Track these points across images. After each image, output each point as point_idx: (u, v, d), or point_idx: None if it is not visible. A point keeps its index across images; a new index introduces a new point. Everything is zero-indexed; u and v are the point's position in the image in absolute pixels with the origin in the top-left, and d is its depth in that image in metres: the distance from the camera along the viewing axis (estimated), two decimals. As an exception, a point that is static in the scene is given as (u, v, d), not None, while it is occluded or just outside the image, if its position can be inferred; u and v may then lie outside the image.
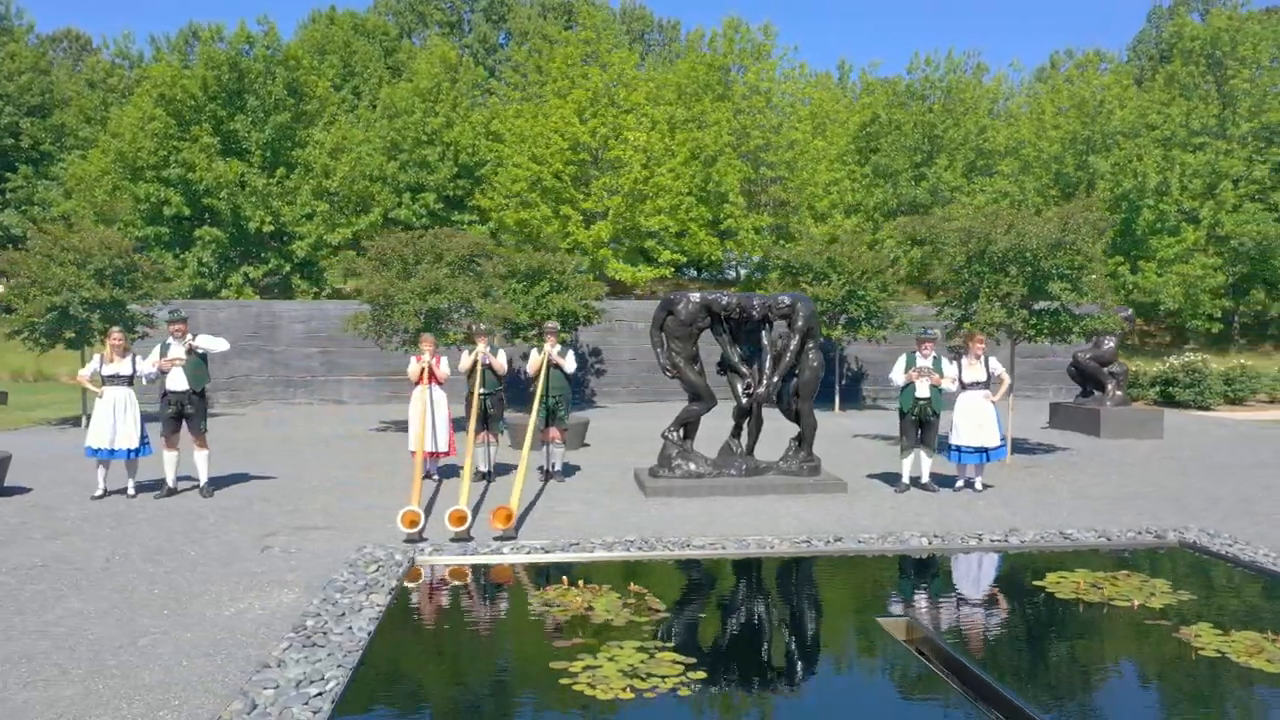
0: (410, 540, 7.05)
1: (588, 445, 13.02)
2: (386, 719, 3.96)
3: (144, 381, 9.13)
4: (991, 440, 9.34)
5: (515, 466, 9.02)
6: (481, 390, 9.75)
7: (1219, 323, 29.01)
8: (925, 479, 9.58)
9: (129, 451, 8.92)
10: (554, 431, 10.23)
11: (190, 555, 6.82)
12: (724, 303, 9.58)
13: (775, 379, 9.50)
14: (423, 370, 9.83)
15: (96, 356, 9.19)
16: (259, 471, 10.68)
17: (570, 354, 10.17)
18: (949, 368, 9.42)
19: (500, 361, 9.97)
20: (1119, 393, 14.93)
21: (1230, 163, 29.11)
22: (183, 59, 34.47)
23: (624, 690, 4.05)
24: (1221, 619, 5.09)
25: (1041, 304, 11.31)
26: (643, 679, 4.17)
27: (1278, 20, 32.92)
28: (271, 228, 28.85)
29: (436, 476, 10.08)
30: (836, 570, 6.40)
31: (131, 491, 9.00)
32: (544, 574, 6.14)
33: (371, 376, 20.30)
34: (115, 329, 9.39)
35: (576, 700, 3.97)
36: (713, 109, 31.25)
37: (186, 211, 28.33)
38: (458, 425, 10.66)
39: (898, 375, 9.52)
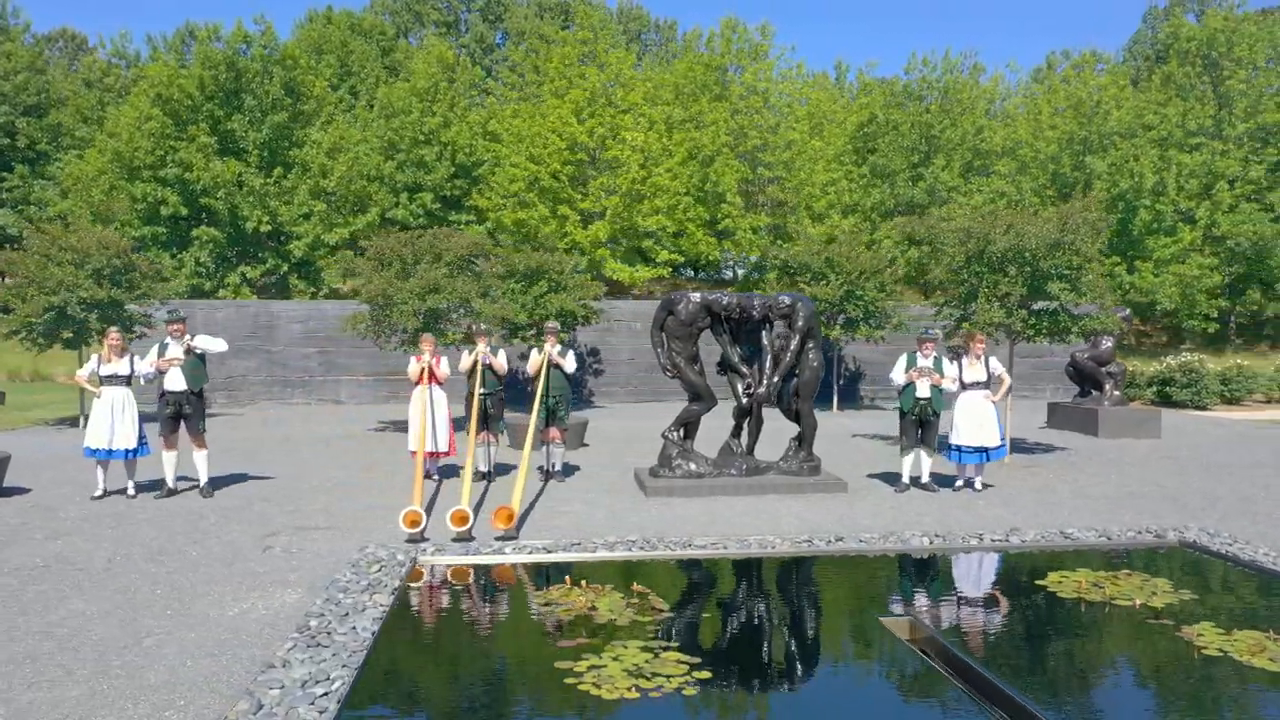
0: (412, 540, 7.05)
1: (587, 445, 13.02)
2: (392, 719, 3.96)
3: (142, 381, 9.12)
4: (992, 440, 9.36)
5: (515, 466, 9.02)
6: (481, 390, 9.75)
7: (1215, 323, 29.09)
8: (925, 479, 9.60)
9: (127, 452, 8.90)
10: (554, 431, 10.23)
11: (192, 555, 6.82)
12: (724, 303, 9.59)
13: (775, 379, 9.51)
14: (423, 370, 9.83)
15: (94, 357, 9.16)
16: (258, 472, 10.67)
17: (570, 354, 10.17)
18: (949, 368, 9.44)
19: (500, 361, 9.96)
20: (1117, 393, 14.97)
21: (1226, 163, 29.19)
22: (179, 59, 34.39)
23: (629, 690, 4.05)
24: (1223, 618, 5.10)
25: (1040, 304, 11.33)
26: (648, 679, 4.18)
27: (1274, 21, 33.00)
28: (269, 227, 28.82)
29: (436, 476, 10.08)
30: (838, 570, 6.40)
31: (131, 492, 8.99)
32: (546, 574, 6.14)
33: (369, 376, 20.29)
34: (113, 329, 9.38)
35: (582, 700, 3.97)
36: (710, 109, 31.26)
37: (184, 211, 28.30)
38: (458, 425, 10.66)
39: (898, 375, 9.54)
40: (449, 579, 6.13)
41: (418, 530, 7.12)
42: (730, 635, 5.02)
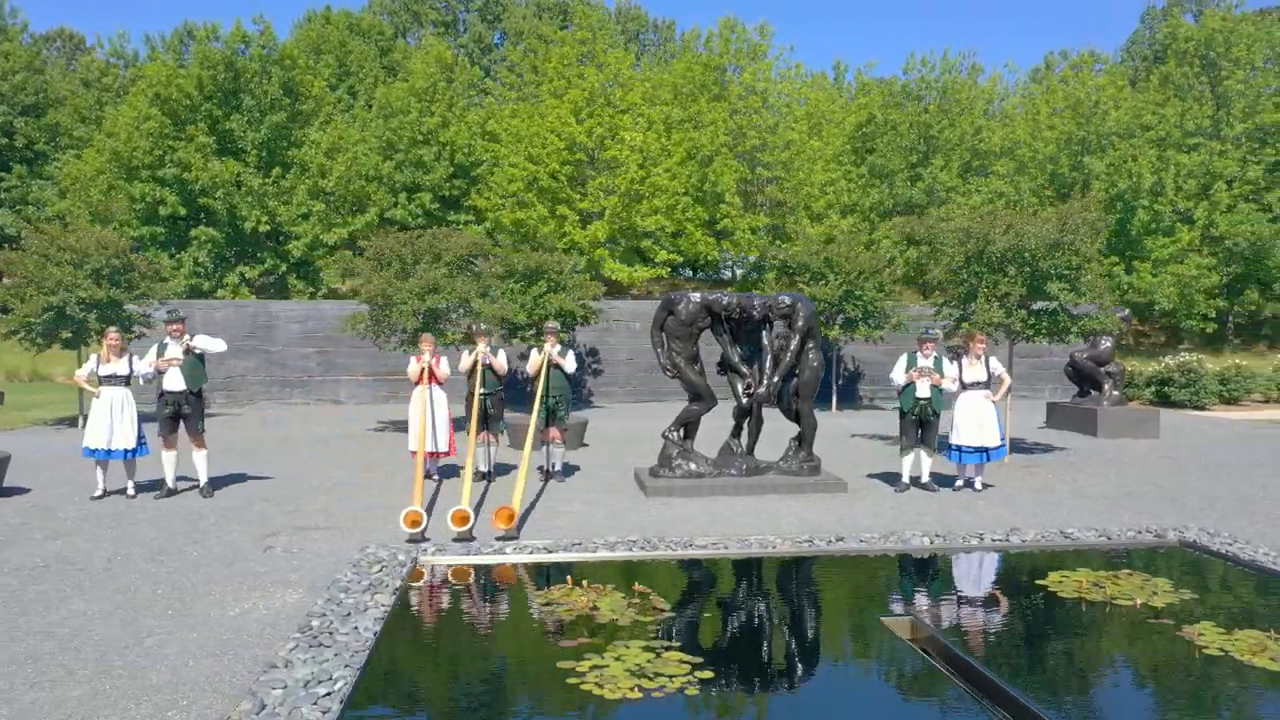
0: (413, 540, 7.05)
1: (586, 445, 13.02)
2: (396, 719, 3.96)
3: (141, 382, 9.11)
4: (992, 440, 9.37)
5: (515, 466, 9.02)
6: (482, 390, 9.75)
7: (1213, 323, 29.13)
8: (925, 479, 9.61)
9: (126, 452, 8.90)
10: (554, 431, 10.23)
11: (192, 555, 6.81)
12: (724, 303, 9.59)
13: (775, 379, 9.51)
14: (423, 370, 9.82)
15: (93, 357, 9.15)
16: (258, 472, 10.66)
17: (570, 354, 10.17)
18: (949, 368, 9.45)
19: (500, 361, 9.96)
20: (1115, 393, 14.98)
21: (1224, 163, 29.22)
22: (178, 58, 34.35)
23: (632, 690, 4.05)
24: (1224, 618, 5.11)
25: (1040, 304, 11.34)
26: (650, 679, 4.18)
27: (1272, 21, 33.04)
28: (267, 227, 28.80)
29: (436, 477, 10.08)
30: (839, 570, 6.41)
31: (131, 492, 8.98)
32: (547, 574, 6.14)
33: (368, 376, 20.28)
34: (112, 329, 9.37)
35: (585, 700, 3.97)
36: (709, 109, 31.27)
37: (182, 211, 28.27)
38: (458, 425, 10.66)
39: (899, 375, 9.54)
40: (450, 579, 6.13)
41: (419, 530, 7.12)
42: (732, 635, 5.02)
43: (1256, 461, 11.90)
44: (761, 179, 32.55)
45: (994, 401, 9.48)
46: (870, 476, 10.42)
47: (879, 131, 32.87)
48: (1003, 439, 9.58)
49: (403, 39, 48.02)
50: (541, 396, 9.82)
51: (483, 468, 9.95)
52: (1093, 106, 30.30)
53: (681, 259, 31.21)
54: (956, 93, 33.42)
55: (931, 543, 6.98)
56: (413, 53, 41.22)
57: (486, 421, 9.92)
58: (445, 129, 30.83)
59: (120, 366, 8.96)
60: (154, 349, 8.98)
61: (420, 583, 5.99)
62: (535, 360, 10.04)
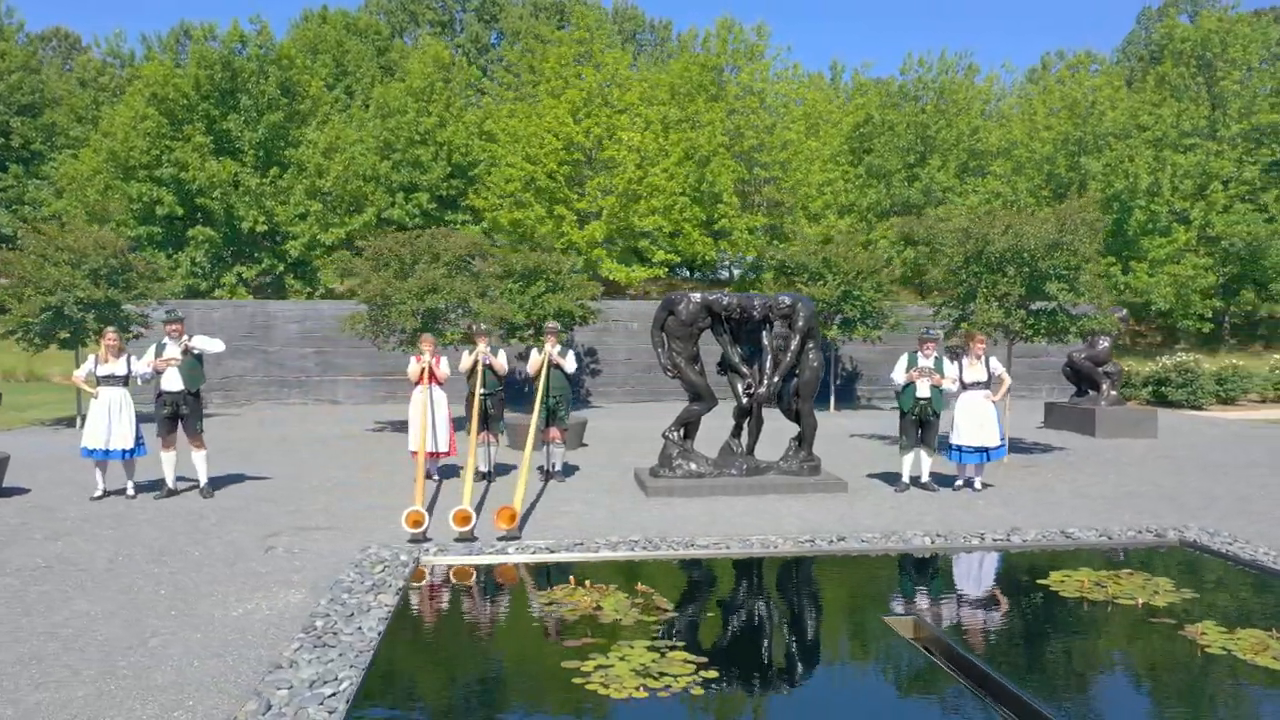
0: (414, 540, 7.05)
1: (586, 445, 13.02)
2: (401, 719, 3.96)
3: (139, 382, 9.09)
4: (992, 440, 9.39)
5: (515, 467, 9.02)
6: (482, 390, 9.75)
7: (1210, 323, 29.19)
8: (925, 478, 9.63)
9: (124, 452, 8.88)
10: (554, 431, 10.23)
11: (194, 556, 6.81)
12: (725, 303, 9.60)
13: (775, 379, 9.52)
14: (423, 370, 9.82)
15: (91, 357, 9.14)
16: (257, 472, 10.65)
17: (570, 354, 10.18)
18: (950, 368, 9.47)
19: (500, 361, 9.97)
20: (1114, 392, 15.02)
21: (1221, 164, 29.28)
22: (174, 58, 34.29)
23: (637, 689, 4.06)
24: (1225, 617, 5.13)
25: (1039, 304, 11.36)
26: (655, 678, 4.19)
27: (1268, 22, 33.12)
28: (265, 227, 28.74)
29: (436, 477, 10.08)
30: (841, 569, 6.42)
31: (130, 492, 8.97)
32: (548, 574, 6.14)
33: (367, 376, 20.26)
34: (110, 329, 9.36)
35: (591, 700, 3.98)
36: (706, 109, 31.26)
37: (179, 211, 28.20)
38: (458, 425, 10.66)
39: (899, 375, 9.56)
40: (452, 579, 6.13)
41: (420, 530, 7.11)
42: (736, 635, 5.03)
43: (1254, 461, 11.94)
44: (759, 179, 32.56)
45: (994, 401, 9.50)
46: (870, 476, 10.43)
47: (876, 132, 32.90)
48: (1003, 439, 9.60)
49: (399, 39, 47.98)
50: (542, 396, 9.82)
51: (483, 468, 9.95)
52: (1089, 107, 30.36)
53: (679, 259, 31.21)
54: (953, 93, 33.48)
55: (933, 542, 6.99)
56: (410, 52, 41.20)
57: (487, 421, 9.93)
58: (442, 129, 30.81)
59: (118, 367, 8.95)
60: (152, 349, 8.97)
61: (422, 583, 5.99)
62: (535, 360, 10.04)
